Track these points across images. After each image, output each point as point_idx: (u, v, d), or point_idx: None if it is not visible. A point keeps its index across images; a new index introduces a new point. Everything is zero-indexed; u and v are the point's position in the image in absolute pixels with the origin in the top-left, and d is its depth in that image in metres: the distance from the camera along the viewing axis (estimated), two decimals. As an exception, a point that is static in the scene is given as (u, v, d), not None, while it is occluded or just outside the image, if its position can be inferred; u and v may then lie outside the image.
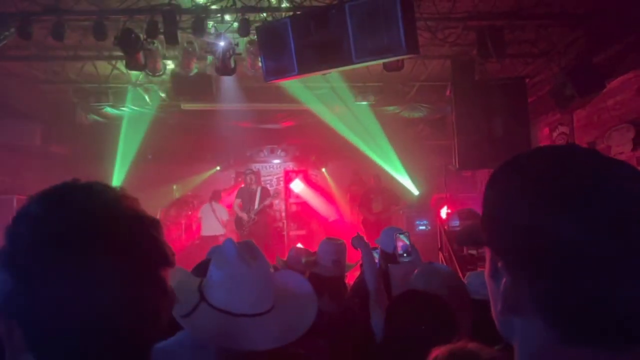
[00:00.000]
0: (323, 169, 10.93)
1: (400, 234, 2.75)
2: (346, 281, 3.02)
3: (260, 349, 1.50)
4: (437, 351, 1.27)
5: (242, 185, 9.38)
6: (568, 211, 0.63)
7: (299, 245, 6.30)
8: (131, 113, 8.50)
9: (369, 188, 9.43)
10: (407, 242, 2.71)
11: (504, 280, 0.69)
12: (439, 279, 2.20)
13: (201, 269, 1.79)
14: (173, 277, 1.72)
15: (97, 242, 0.68)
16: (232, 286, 1.55)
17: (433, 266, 2.49)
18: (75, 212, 0.70)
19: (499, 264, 0.70)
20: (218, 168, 11.09)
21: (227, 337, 1.51)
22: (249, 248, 1.62)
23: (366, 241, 2.79)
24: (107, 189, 0.76)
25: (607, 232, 0.62)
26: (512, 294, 0.68)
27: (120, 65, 7.02)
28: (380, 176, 9.51)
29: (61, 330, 0.67)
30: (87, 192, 0.73)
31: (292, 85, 7.66)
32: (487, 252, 0.73)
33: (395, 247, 2.73)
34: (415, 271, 2.33)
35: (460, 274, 6.83)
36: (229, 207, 9.54)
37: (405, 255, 2.67)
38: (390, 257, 2.90)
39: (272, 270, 1.68)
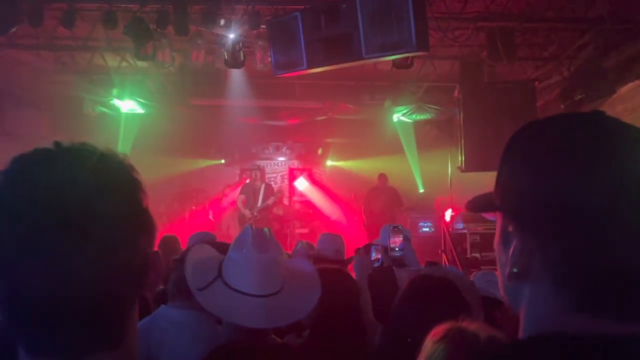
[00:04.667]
0: (329, 161, 10.86)
1: (394, 227, 2.77)
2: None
3: (260, 327, 1.65)
4: (436, 330, 1.24)
5: (247, 181, 9.36)
6: (592, 174, 0.61)
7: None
8: (139, 105, 8.51)
9: (374, 187, 9.38)
10: (400, 237, 2.73)
11: (514, 244, 0.67)
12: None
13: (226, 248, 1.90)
14: (197, 252, 1.89)
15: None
16: (242, 268, 1.67)
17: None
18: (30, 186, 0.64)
19: (510, 228, 0.68)
20: (223, 161, 11.06)
21: (232, 312, 1.64)
22: (264, 236, 1.76)
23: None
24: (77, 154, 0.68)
25: (631, 199, 0.59)
26: (522, 258, 0.66)
27: (129, 57, 7.03)
28: (387, 175, 9.44)
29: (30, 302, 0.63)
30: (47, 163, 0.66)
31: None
32: (497, 218, 0.72)
33: (388, 241, 2.75)
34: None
35: (464, 276, 6.81)
36: (233, 203, 9.51)
37: (397, 249, 2.69)
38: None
39: (284, 257, 1.81)
